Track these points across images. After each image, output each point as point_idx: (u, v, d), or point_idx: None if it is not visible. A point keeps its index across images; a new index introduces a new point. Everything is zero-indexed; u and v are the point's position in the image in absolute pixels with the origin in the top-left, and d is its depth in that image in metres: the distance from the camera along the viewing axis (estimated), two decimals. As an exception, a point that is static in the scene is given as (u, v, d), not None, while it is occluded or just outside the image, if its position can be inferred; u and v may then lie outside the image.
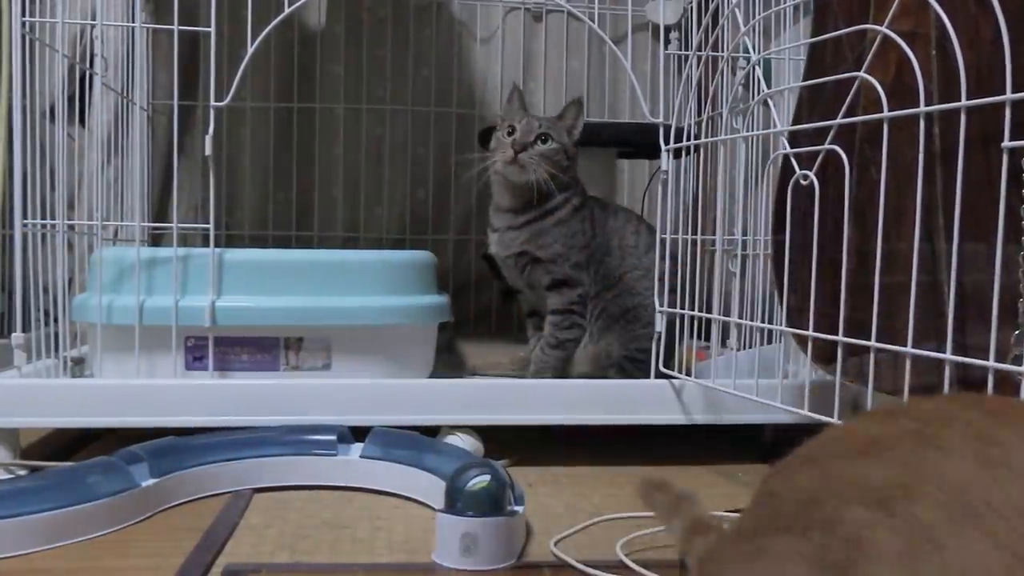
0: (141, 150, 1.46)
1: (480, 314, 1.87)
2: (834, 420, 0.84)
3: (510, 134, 1.20)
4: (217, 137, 1.08)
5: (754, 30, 1.18)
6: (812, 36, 0.98)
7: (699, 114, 1.34)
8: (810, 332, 0.89)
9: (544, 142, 1.20)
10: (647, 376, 1.15)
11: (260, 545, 0.80)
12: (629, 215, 1.30)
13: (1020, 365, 0.65)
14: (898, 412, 0.40)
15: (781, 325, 1.01)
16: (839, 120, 0.85)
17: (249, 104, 1.77)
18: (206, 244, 1.10)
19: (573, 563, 0.77)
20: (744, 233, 1.20)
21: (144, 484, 0.89)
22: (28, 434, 1.13)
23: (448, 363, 1.32)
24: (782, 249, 0.97)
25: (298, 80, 1.81)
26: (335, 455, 0.99)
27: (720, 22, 1.14)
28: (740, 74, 1.28)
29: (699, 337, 1.19)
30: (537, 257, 1.22)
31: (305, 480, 0.99)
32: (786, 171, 0.95)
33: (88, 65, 1.34)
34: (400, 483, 0.96)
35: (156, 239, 1.67)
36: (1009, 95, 0.65)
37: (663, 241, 1.15)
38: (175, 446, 0.96)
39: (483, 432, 1.12)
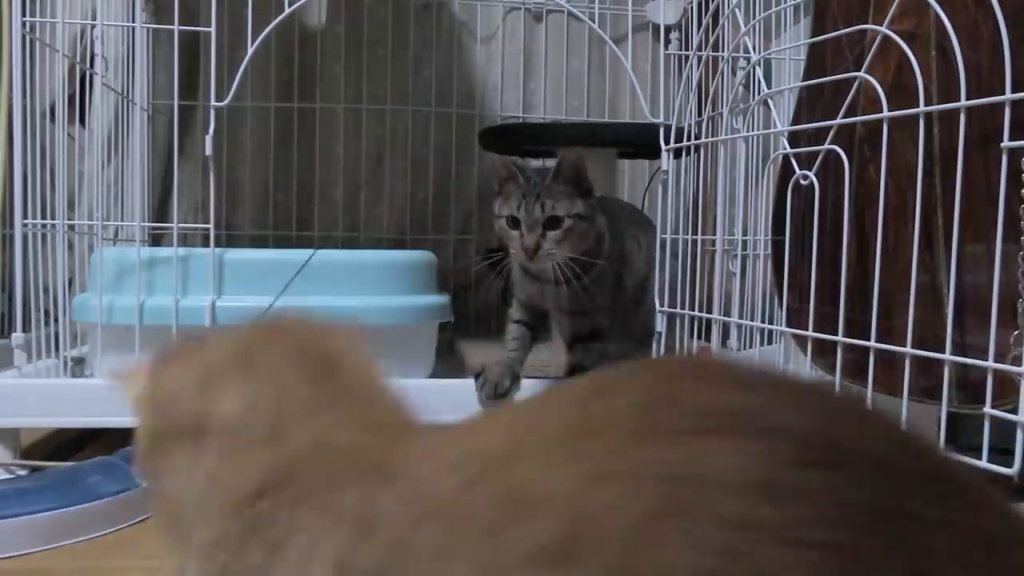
0: (141, 150, 1.46)
1: (480, 314, 1.87)
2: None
3: (514, 225, 1.06)
4: (217, 137, 1.08)
5: (754, 30, 1.18)
6: (812, 36, 0.98)
7: (699, 114, 1.33)
8: (810, 332, 0.89)
9: (555, 226, 1.04)
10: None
11: (260, 545, 0.80)
12: (631, 224, 1.25)
13: (1020, 365, 0.65)
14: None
15: (781, 325, 1.01)
16: (839, 120, 0.85)
17: (249, 104, 1.77)
18: (206, 244, 1.10)
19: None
20: (744, 233, 1.20)
21: (144, 484, 0.88)
22: (28, 434, 1.13)
23: (448, 363, 1.32)
24: (782, 249, 0.97)
25: (298, 80, 1.81)
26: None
27: (720, 22, 1.15)
28: (740, 74, 1.28)
29: (699, 337, 1.19)
30: (576, 311, 1.13)
31: (305, 480, 0.99)
32: (786, 171, 0.95)
33: (88, 65, 1.34)
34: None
35: (156, 239, 1.67)
36: (1009, 95, 0.65)
37: (663, 241, 1.15)
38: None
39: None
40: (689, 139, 1.12)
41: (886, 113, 0.77)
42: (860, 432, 0.26)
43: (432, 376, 1.20)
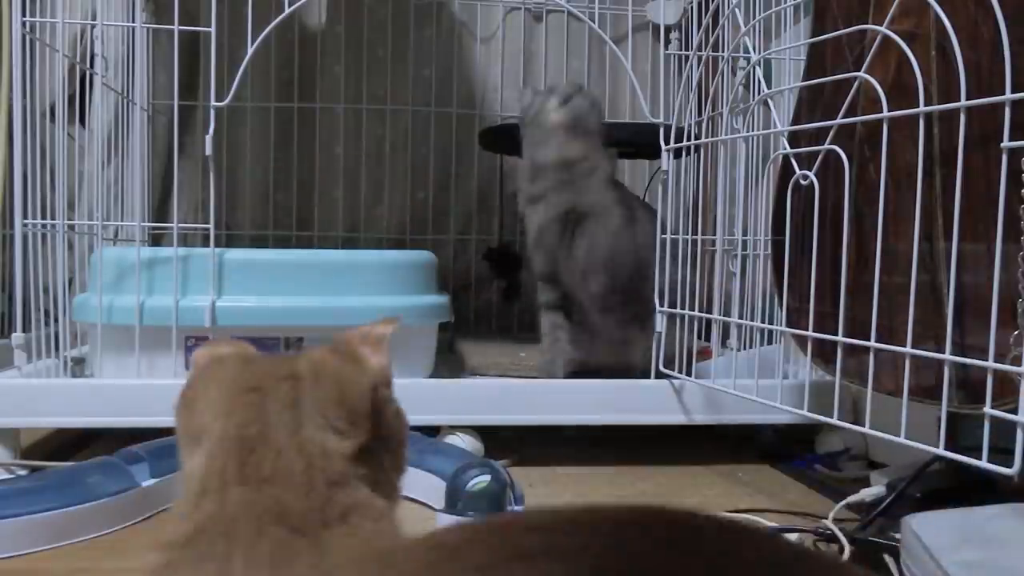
0: (141, 150, 1.46)
1: (480, 314, 1.87)
2: (834, 420, 0.84)
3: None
4: (217, 137, 1.08)
5: (754, 30, 1.18)
6: (812, 36, 0.98)
7: (699, 114, 1.33)
8: (810, 332, 0.89)
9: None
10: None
11: (260, 545, 0.80)
12: (648, 225, 1.25)
13: (1020, 365, 0.64)
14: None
15: (781, 325, 1.01)
16: (839, 120, 0.85)
17: (249, 104, 1.77)
18: (206, 244, 1.10)
19: (573, 563, 0.76)
20: (744, 233, 1.20)
21: (144, 484, 0.89)
22: (28, 434, 1.13)
23: (448, 363, 1.33)
24: (782, 249, 0.97)
25: (298, 80, 1.81)
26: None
27: (720, 22, 1.15)
28: (740, 74, 1.28)
29: (699, 337, 1.19)
30: (585, 212, 1.19)
31: (305, 480, 0.99)
32: (786, 171, 0.95)
33: (88, 65, 1.34)
34: (400, 483, 0.96)
35: (156, 239, 1.67)
36: (1008, 95, 0.65)
37: (663, 241, 1.15)
38: (175, 446, 0.96)
39: (483, 432, 1.13)
40: (689, 139, 1.12)
41: (886, 113, 0.77)
42: (641, 548, 0.29)
43: (432, 376, 1.20)
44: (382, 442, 0.43)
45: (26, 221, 1.10)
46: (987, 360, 0.66)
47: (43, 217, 1.13)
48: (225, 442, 0.41)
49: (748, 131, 1.19)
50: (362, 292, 1.13)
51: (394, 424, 0.46)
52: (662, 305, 1.14)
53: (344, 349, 0.44)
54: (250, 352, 0.48)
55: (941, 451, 0.72)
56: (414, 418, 1.20)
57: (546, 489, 1.02)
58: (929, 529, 0.68)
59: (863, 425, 0.79)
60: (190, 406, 0.44)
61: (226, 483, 0.40)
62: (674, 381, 1.13)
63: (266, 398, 0.41)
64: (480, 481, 0.79)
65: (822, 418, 0.86)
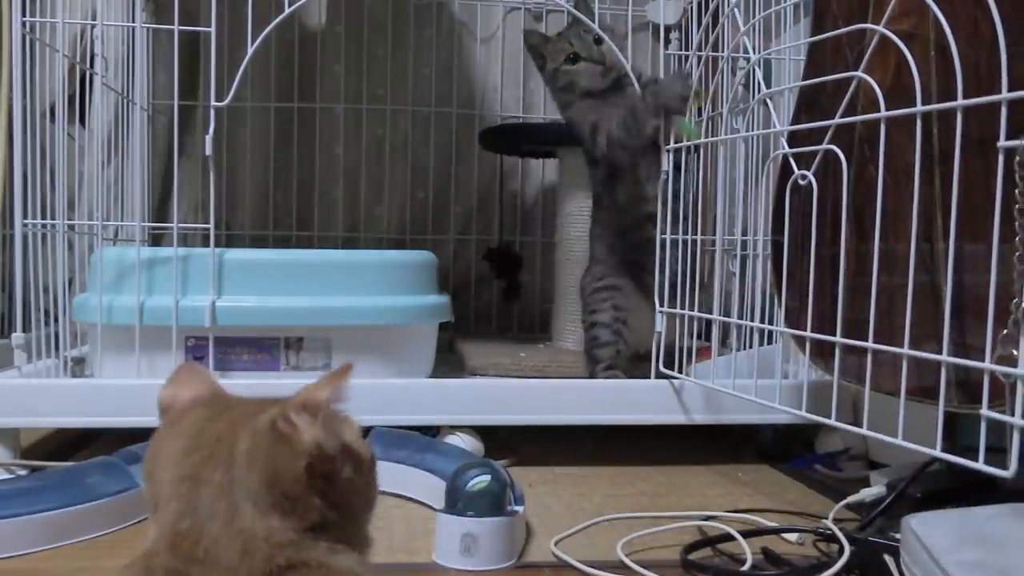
0: (141, 150, 1.46)
1: (480, 314, 1.87)
2: (832, 421, 0.84)
3: (575, 61, 1.28)
4: (217, 137, 1.08)
5: (754, 30, 1.18)
6: (811, 35, 0.98)
7: (699, 114, 1.33)
8: (808, 333, 0.89)
9: (602, 42, 1.28)
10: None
11: (260, 545, 0.80)
12: None
13: (1013, 365, 0.64)
14: None
15: (780, 326, 1.01)
16: (837, 120, 0.85)
17: (249, 104, 1.77)
18: (206, 244, 1.10)
19: (574, 563, 0.77)
20: (744, 233, 1.20)
21: (144, 484, 0.89)
22: (28, 434, 1.13)
23: (448, 363, 1.33)
24: (781, 249, 0.97)
25: (298, 80, 1.81)
26: (335, 455, 0.99)
27: (720, 22, 1.15)
28: (740, 74, 1.28)
29: (698, 336, 1.19)
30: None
31: (305, 480, 0.99)
32: (785, 171, 0.95)
33: (88, 65, 1.34)
34: (400, 483, 0.96)
35: (156, 239, 1.67)
36: (1005, 95, 0.65)
37: (663, 241, 1.15)
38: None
39: (483, 432, 1.13)
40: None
41: (884, 113, 0.77)
42: None
43: (432, 376, 1.20)
44: (338, 508, 0.42)
45: (26, 221, 1.10)
46: (984, 360, 0.66)
47: (43, 217, 1.13)
48: (163, 530, 0.41)
49: (748, 131, 1.19)
50: (362, 292, 1.13)
51: (351, 489, 0.44)
52: (662, 305, 1.14)
53: (281, 426, 0.42)
54: (207, 399, 0.47)
55: (938, 453, 0.72)
56: (414, 418, 1.20)
57: (546, 489, 1.02)
58: (929, 529, 0.68)
59: (862, 426, 0.79)
60: (148, 479, 0.45)
61: (163, 562, 0.40)
62: (674, 381, 1.13)
63: (199, 489, 0.41)
64: (480, 481, 0.79)
65: (820, 419, 0.86)
